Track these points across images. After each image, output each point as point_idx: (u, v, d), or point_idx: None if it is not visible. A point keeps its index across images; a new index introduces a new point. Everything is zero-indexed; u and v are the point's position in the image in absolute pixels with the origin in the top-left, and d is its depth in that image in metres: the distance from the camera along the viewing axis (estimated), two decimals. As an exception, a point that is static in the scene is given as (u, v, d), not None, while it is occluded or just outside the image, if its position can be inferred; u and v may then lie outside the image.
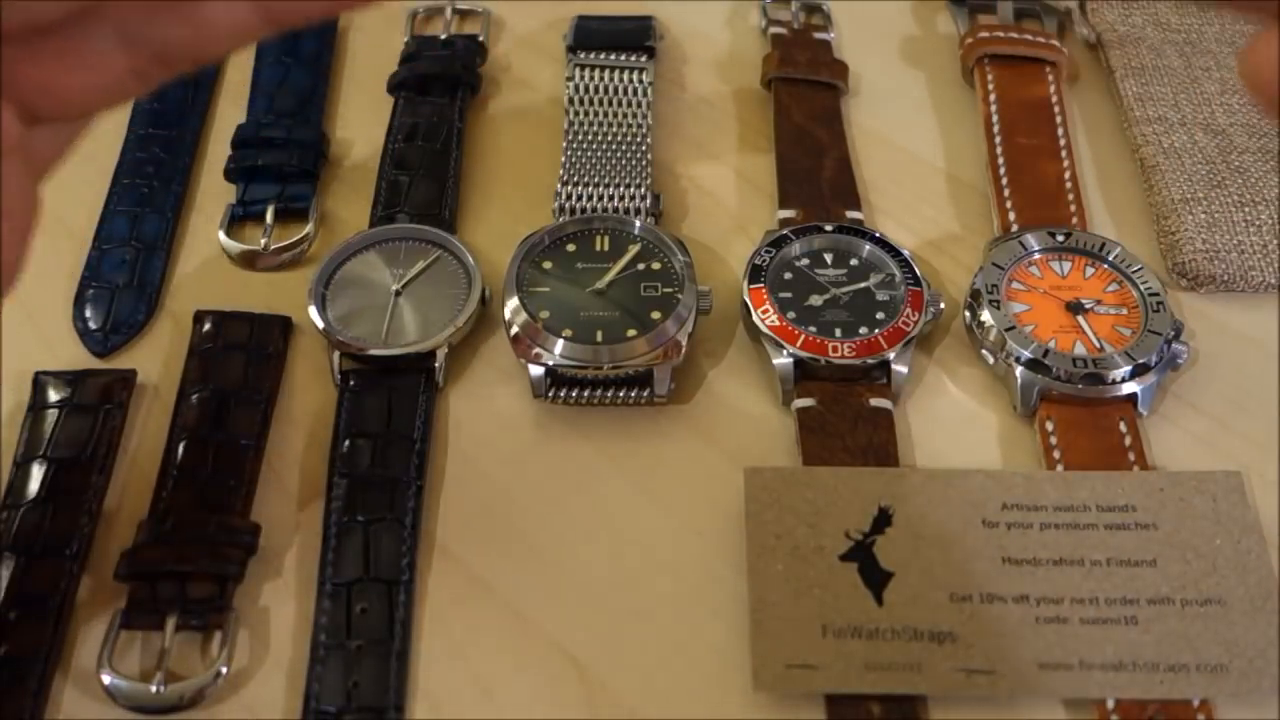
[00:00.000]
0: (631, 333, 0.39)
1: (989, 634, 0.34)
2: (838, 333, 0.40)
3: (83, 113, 0.28)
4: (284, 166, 0.45)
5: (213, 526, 0.36)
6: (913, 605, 0.34)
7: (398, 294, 0.41)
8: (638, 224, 0.42)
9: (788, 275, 0.41)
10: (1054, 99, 0.48)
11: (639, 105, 0.47)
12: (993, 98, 0.48)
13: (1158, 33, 0.50)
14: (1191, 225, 0.43)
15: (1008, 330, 0.40)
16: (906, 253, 0.42)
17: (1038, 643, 0.33)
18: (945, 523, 0.36)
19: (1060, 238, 0.42)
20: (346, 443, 0.38)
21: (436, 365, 0.40)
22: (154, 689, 0.33)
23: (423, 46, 0.50)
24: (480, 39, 0.51)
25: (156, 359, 0.41)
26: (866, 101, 0.50)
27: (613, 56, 0.48)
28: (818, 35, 0.51)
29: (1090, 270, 0.42)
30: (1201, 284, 0.43)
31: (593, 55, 0.48)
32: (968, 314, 0.41)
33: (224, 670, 0.34)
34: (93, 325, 0.42)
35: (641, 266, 0.41)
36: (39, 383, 0.39)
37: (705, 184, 0.47)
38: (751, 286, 0.41)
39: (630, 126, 0.46)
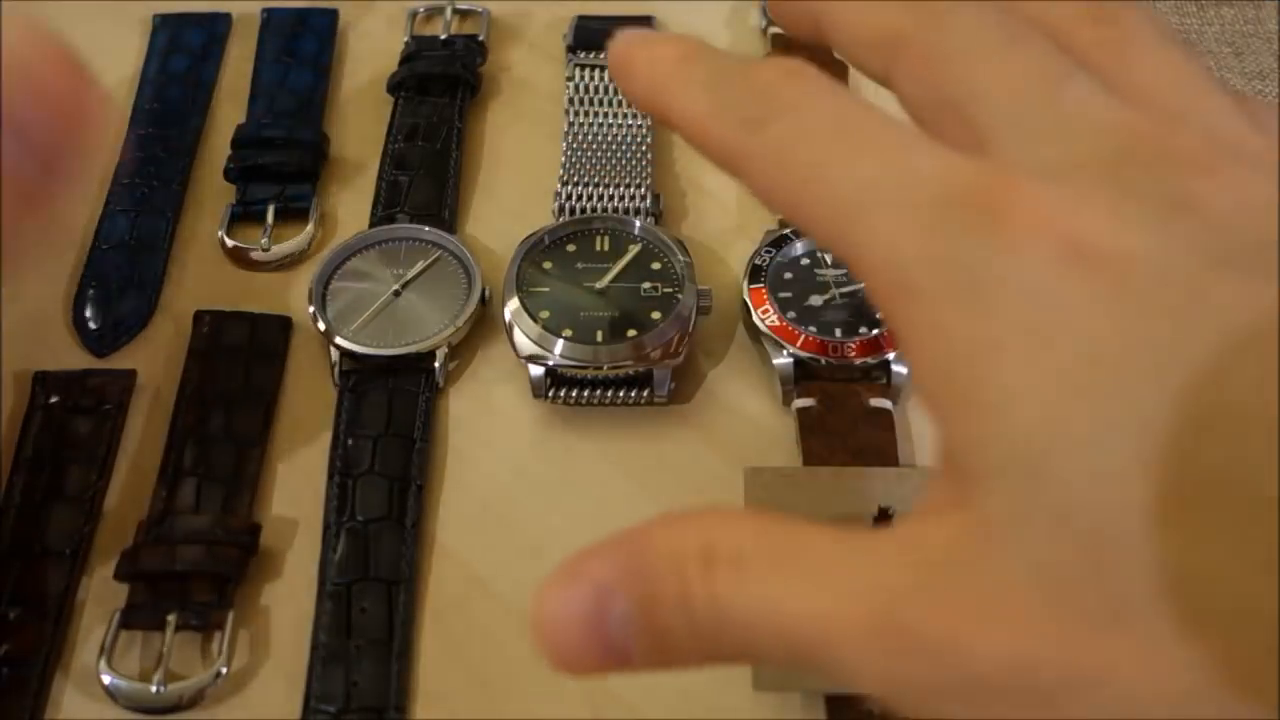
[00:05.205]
0: (631, 333, 0.39)
1: (989, 634, 0.33)
2: (838, 333, 0.40)
3: None
4: (284, 167, 0.45)
5: (213, 526, 0.36)
6: (913, 605, 0.34)
7: (397, 294, 0.41)
8: (638, 224, 0.42)
9: (788, 275, 0.41)
10: (1054, 99, 0.48)
11: (639, 105, 0.47)
12: (993, 98, 0.48)
13: (1158, 33, 0.50)
14: (1191, 225, 0.43)
15: (1008, 330, 0.40)
16: (906, 253, 0.42)
17: (1038, 643, 0.33)
18: (945, 523, 0.36)
19: (1060, 238, 0.42)
20: (346, 442, 0.38)
21: (436, 365, 0.40)
22: (154, 689, 0.33)
23: (423, 46, 0.50)
24: (480, 39, 0.51)
25: (156, 359, 0.41)
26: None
27: (613, 56, 0.48)
28: (818, 35, 0.51)
29: (1090, 270, 0.42)
30: (1201, 284, 0.43)
31: (593, 55, 0.48)
32: (968, 314, 0.41)
33: (224, 670, 0.34)
34: (93, 325, 0.42)
35: (646, 281, 0.41)
36: (39, 383, 0.39)
37: (705, 184, 0.47)
38: (751, 286, 0.41)
39: (630, 126, 0.46)
